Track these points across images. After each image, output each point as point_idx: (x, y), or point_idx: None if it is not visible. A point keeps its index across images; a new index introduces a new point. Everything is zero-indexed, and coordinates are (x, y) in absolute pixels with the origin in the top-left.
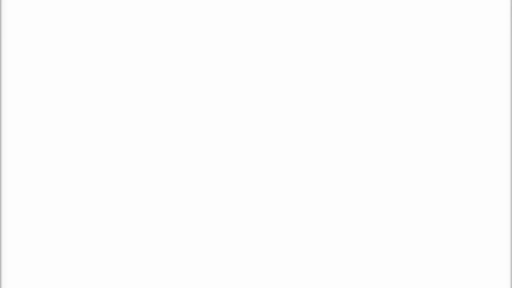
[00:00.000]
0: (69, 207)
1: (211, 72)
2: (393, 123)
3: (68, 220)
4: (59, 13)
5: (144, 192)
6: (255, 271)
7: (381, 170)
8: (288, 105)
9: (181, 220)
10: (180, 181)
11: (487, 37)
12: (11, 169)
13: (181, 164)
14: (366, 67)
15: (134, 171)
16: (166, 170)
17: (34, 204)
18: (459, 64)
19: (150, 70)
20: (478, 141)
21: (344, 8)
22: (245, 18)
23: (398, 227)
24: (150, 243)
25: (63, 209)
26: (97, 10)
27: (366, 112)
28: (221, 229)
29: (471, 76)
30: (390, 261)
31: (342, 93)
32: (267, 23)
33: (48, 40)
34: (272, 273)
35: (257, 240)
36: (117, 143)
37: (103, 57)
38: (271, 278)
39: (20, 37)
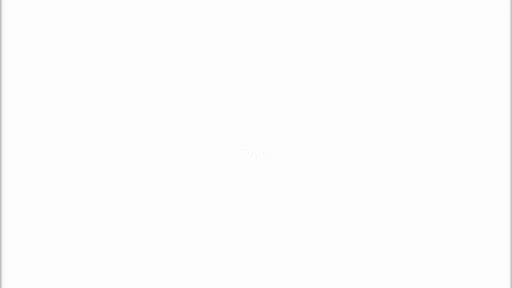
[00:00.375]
0: (69, 207)
1: (211, 72)
2: (393, 123)
3: (68, 220)
4: (59, 13)
5: (144, 192)
6: (254, 271)
7: (381, 170)
8: (288, 105)
9: (181, 221)
10: (180, 181)
11: (487, 37)
12: (11, 169)
13: (181, 164)
14: (366, 67)
15: (134, 171)
16: (166, 170)
17: (34, 204)
18: (459, 64)
19: (150, 70)
20: (478, 141)
21: (344, 8)
22: (245, 18)
23: (398, 227)
24: (150, 243)
25: (63, 209)
26: (97, 10)
27: (366, 112)
28: (221, 229)
29: (471, 76)
30: (390, 261)
31: (342, 93)
32: (267, 23)
33: (48, 40)
34: (271, 273)
35: (257, 240)
36: (117, 143)
37: (103, 57)
38: (270, 278)
39: (20, 37)
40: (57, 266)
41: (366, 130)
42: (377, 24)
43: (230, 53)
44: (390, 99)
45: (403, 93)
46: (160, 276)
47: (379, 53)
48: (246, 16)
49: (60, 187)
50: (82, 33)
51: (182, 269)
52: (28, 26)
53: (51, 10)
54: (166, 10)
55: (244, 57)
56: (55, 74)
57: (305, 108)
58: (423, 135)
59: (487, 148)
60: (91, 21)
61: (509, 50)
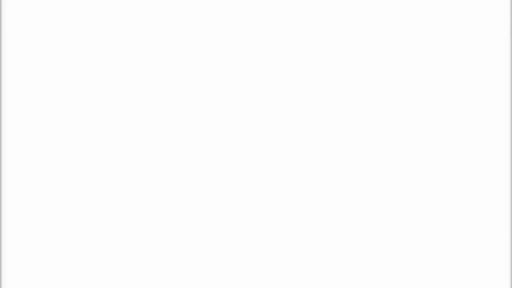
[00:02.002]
0: (69, 207)
1: (211, 72)
2: (393, 123)
3: (68, 220)
4: (59, 13)
5: (144, 192)
6: (255, 271)
7: (381, 170)
8: (288, 105)
9: (181, 220)
10: (180, 181)
11: (487, 37)
12: (11, 169)
13: (181, 164)
14: (366, 67)
15: (134, 171)
16: (166, 170)
17: (34, 204)
18: (459, 64)
19: (150, 70)
20: (478, 141)
21: (344, 8)
22: (245, 18)
23: (398, 227)
24: (150, 243)
25: (63, 209)
26: (97, 10)
27: (366, 112)
28: (221, 229)
29: (471, 76)
30: (390, 261)
31: (342, 93)
32: (267, 23)
33: (48, 40)
34: (272, 273)
35: (257, 240)
36: (117, 143)
37: (103, 57)
38: (271, 278)
39: (20, 37)
40: (57, 266)
41: (367, 130)
42: (377, 24)
43: (230, 53)
44: (390, 99)
45: (403, 93)
46: (159, 276)
47: (379, 53)
48: (246, 15)
49: (60, 186)
50: (82, 33)
51: (181, 269)
52: (28, 26)
53: (51, 10)
54: (166, 10)
55: (244, 57)
56: (55, 74)
57: (305, 108)
58: (423, 134)
59: (487, 148)
60: (91, 21)
61: (509, 50)
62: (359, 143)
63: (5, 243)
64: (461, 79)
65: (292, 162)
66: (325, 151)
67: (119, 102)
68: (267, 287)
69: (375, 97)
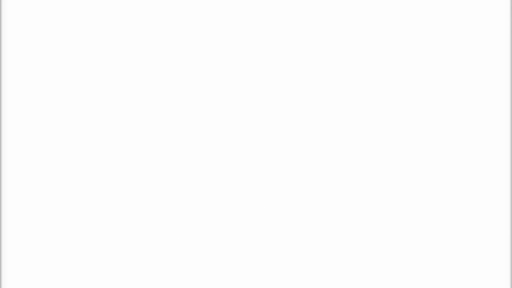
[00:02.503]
0: (69, 207)
1: (211, 72)
2: (393, 123)
3: (68, 220)
4: (59, 13)
5: (144, 192)
6: (255, 271)
7: (381, 170)
8: (288, 105)
9: (181, 220)
10: (181, 181)
11: (487, 37)
12: (11, 169)
13: (181, 164)
14: (366, 67)
15: (134, 171)
16: (166, 170)
17: (34, 204)
18: (459, 64)
19: (150, 70)
20: (478, 141)
21: (344, 8)
22: (245, 18)
23: (398, 227)
24: (150, 243)
25: (63, 209)
26: (97, 10)
27: (366, 112)
28: (221, 229)
29: (471, 76)
30: (390, 261)
31: (342, 93)
32: (267, 23)
33: (48, 40)
34: (272, 273)
35: (257, 240)
36: (117, 143)
37: (103, 57)
38: (271, 278)
39: (20, 37)
40: (57, 266)
41: (366, 130)
42: (377, 24)
43: (231, 53)
44: (390, 99)
45: (403, 93)
46: (160, 276)
47: (379, 53)
48: (247, 15)
49: (60, 187)
50: (82, 33)
51: (182, 269)
52: (28, 26)
53: (51, 10)
54: (166, 9)
55: (244, 57)
56: (55, 74)
57: (306, 107)
58: (423, 134)
59: (487, 148)
60: (91, 21)
61: (509, 50)
62: (359, 143)
63: (5, 243)
64: (461, 79)
65: (292, 162)
66: (325, 151)
67: (119, 102)
68: (267, 287)
69: (375, 97)
